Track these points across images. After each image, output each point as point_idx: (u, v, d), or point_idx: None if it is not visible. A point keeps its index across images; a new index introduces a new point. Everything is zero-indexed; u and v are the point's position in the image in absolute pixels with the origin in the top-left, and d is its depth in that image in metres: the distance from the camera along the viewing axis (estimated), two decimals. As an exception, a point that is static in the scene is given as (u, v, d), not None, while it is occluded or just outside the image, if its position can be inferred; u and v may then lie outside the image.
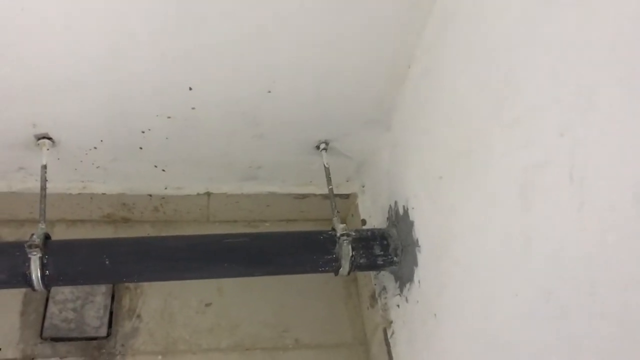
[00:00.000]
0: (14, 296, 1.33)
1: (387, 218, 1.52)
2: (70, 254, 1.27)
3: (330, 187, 1.48)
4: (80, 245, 1.29)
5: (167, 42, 1.20)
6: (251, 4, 1.14)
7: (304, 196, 1.71)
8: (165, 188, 1.64)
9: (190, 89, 1.33)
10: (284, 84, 1.35)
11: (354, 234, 1.36)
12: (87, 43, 1.20)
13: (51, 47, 1.20)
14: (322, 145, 1.54)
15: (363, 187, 1.73)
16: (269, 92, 1.35)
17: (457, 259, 1.10)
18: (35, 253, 1.21)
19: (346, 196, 1.74)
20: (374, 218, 1.65)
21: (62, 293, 1.53)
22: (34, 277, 1.21)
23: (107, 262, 1.26)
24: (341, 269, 1.35)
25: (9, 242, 1.28)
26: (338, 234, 1.34)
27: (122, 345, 1.51)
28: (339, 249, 1.34)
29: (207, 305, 1.61)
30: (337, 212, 1.42)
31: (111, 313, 1.55)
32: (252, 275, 1.35)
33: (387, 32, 1.23)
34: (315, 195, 1.71)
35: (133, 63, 1.25)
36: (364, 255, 1.36)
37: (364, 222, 1.68)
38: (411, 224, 1.34)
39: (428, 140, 1.26)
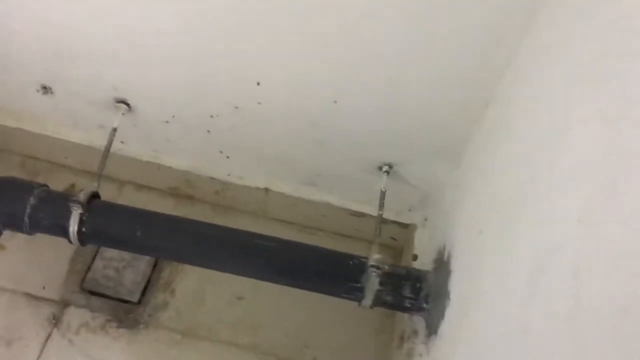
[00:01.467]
0: (69, 243, 1.40)
1: (435, 260, 1.41)
2: (108, 217, 1.31)
3: (380, 212, 1.40)
4: (119, 211, 1.33)
5: (242, 34, 1.20)
6: (324, 10, 1.10)
7: (360, 214, 1.64)
8: (228, 175, 1.65)
9: (258, 84, 1.32)
10: (352, 97, 1.29)
11: (386, 267, 1.28)
12: (169, 21, 1.23)
13: (138, 19, 1.25)
14: (385, 168, 1.46)
15: (425, 220, 1.63)
16: (335, 102, 1.31)
17: (470, 325, 0.99)
18: (76, 208, 1.27)
19: (405, 226, 1.64)
20: (426, 256, 1.54)
21: (111, 251, 1.60)
22: (70, 230, 1.28)
23: (138, 233, 1.29)
24: (364, 300, 1.27)
25: (62, 192, 1.36)
26: (369, 264, 1.26)
27: (149, 315, 1.55)
28: (365, 279, 1.26)
29: (239, 298, 1.61)
30: (380, 240, 1.34)
31: (148, 281, 1.59)
32: (274, 282, 1.32)
33: (471, 59, 1.13)
34: (372, 216, 1.62)
35: (209, 47, 1.27)
36: (391, 292, 1.27)
37: (415, 257, 1.57)
38: (449, 273, 1.22)
39: (480, 189, 1.14)
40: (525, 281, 0.73)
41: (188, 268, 1.62)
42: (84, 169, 1.76)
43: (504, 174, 1.00)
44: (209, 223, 1.32)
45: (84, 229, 1.28)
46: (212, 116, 1.45)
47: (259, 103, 1.37)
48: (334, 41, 1.16)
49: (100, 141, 1.63)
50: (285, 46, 1.21)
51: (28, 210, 1.28)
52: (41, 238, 1.36)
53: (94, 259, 1.60)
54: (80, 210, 1.27)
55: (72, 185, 1.73)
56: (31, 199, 1.29)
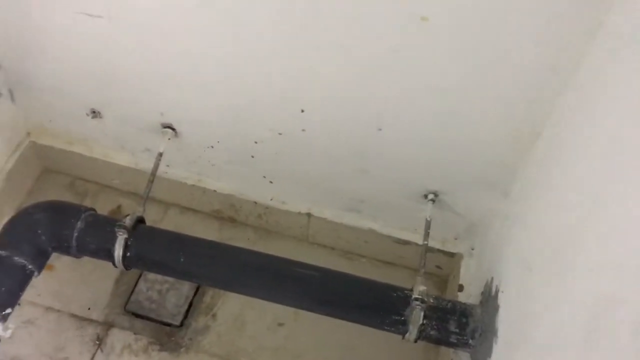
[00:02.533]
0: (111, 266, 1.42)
1: (482, 292, 1.36)
2: (152, 242, 1.32)
3: (426, 242, 1.36)
4: (163, 236, 1.34)
5: (287, 59, 1.20)
6: (374, 39, 1.09)
7: (404, 242, 1.61)
8: (271, 199, 1.65)
9: (302, 111, 1.31)
10: (397, 124, 1.27)
11: (431, 301, 1.24)
12: (217, 50, 1.25)
13: (187, 48, 1.27)
14: (431, 196, 1.43)
15: (472, 249, 1.58)
16: (380, 129, 1.29)
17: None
18: (122, 233, 1.29)
19: (451, 255, 1.60)
20: (473, 287, 1.49)
21: (154, 275, 1.61)
22: (115, 255, 1.29)
23: (181, 259, 1.30)
24: (408, 334, 1.24)
25: (108, 216, 1.38)
26: (413, 296, 1.23)
27: (190, 339, 1.55)
28: (409, 312, 1.23)
29: (280, 324, 1.59)
30: (425, 270, 1.31)
31: (190, 305, 1.60)
32: (315, 312, 1.30)
33: (524, 91, 1.10)
34: (417, 244, 1.59)
35: (255, 75, 1.27)
36: (436, 327, 1.24)
37: (461, 287, 1.53)
38: (497, 308, 1.18)
39: (530, 223, 1.10)
40: (583, 333, 0.69)
41: (230, 293, 1.61)
42: (130, 191, 1.79)
43: (557, 210, 0.96)
44: (251, 250, 1.32)
45: (128, 254, 1.29)
46: (256, 142, 1.46)
47: (303, 130, 1.36)
48: (382, 70, 1.15)
49: (146, 164, 1.66)
50: (331, 74, 1.20)
51: (76, 234, 1.30)
52: (88, 259, 1.38)
53: (137, 281, 1.62)
54: (125, 235, 1.29)
55: (119, 207, 1.76)
56: (79, 223, 1.31)
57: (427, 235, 1.38)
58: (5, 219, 1.66)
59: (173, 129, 1.50)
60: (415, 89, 1.17)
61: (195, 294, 1.61)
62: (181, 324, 1.56)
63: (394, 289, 1.27)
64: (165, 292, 1.60)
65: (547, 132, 1.11)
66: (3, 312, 1.23)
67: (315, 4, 1.06)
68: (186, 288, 1.61)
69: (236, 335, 1.56)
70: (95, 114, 1.55)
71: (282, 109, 1.34)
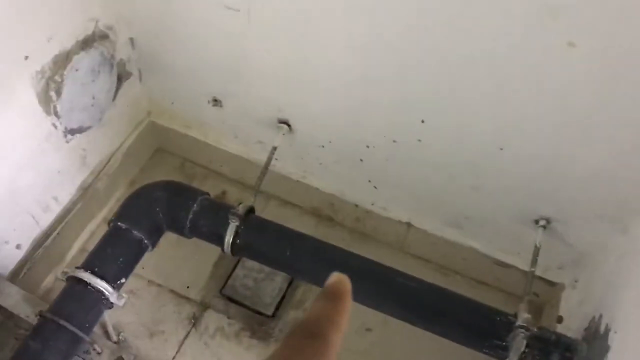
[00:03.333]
0: (215, 247, 1.48)
1: (586, 328, 1.31)
2: (262, 233, 1.36)
3: (532, 269, 1.33)
4: (273, 229, 1.37)
5: (415, 70, 1.20)
6: (508, 58, 1.08)
7: (505, 265, 1.57)
8: (372, 204, 1.65)
9: (423, 121, 1.31)
10: (521, 146, 1.25)
11: (535, 330, 1.21)
12: (341, 54, 1.26)
13: (312, 50, 1.29)
14: (542, 222, 1.39)
15: (576, 282, 1.52)
16: (501, 149, 1.27)
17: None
18: (234, 221, 1.33)
19: (552, 284, 1.55)
20: (573, 320, 1.44)
21: (252, 262, 1.65)
22: (225, 241, 1.34)
23: (287, 253, 1.33)
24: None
25: (222, 202, 1.42)
26: (517, 323, 1.20)
27: (280, 330, 1.58)
28: (511, 339, 1.20)
29: (368, 330, 1.60)
30: (532, 298, 1.28)
31: (283, 297, 1.63)
32: (411, 323, 1.29)
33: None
34: (517, 268, 1.56)
35: (378, 81, 1.28)
36: (538, 357, 1.20)
37: (560, 319, 1.47)
38: (606, 348, 1.13)
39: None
40: None
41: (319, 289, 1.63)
42: (236, 179, 1.84)
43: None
44: (355, 254, 1.33)
45: (238, 241, 1.34)
46: (368, 146, 1.46)
47: (419, 140, 1.36)
48: (514, 92, 1.13)
49: (256, 155, 1.71)
50: (459, 89, 1.19)
51: (191, 216, 1.36)
52: (191, 240, 1.44)
53: (235, 266, 1.67)
54: (237, 223, 1.33)
55: (224, 192, 1.82)
56: (195, 205, 1.37)
57: (534, 261, 1.35)
58: (119, 192, 1.78)
59: (289, 125, 1.53)
60: (546, 114, 1.14)
61: (289, 287, 1.65)
62: (273, 315, 1.60)
63: (497, 312, 1.24)
64: (260, 281, 1.64)
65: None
66: (118, 282, 1.30)
67: (455, 19, 1.06)
68: (280, 280, 1.65)
69: (324, 333, 1.58)
70: (216, 102, 1.61)
71: (401, 117, 1.34)
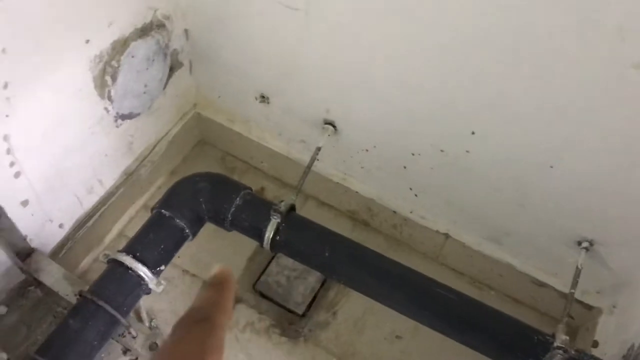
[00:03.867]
0: (250, 242, 1.49)
1: (624, 355, 1.29)
2: (302, 231, 1.36)
3: (572, 291, 1.31)
4: (313, 228, 1.37)
5: (471, 81, 1.20)
6: (572, 78, 1.06)
7: (541, 284, 1.55)
8: (410, 212, 1.65)
9: (473, 133, 1.30)
10: (573, 166, 1.23)
11: (573, 352, 1.19)
12: (393, 60, 1.26)
13: (364, 54, 1.30)
14: (585, 244, 1.37)
15: (614, 307, 1.50)
16: (551, 167, 1.25)
17: None
18: (276, 217, 1.34)
19: (589, 307, 1.52)
20: (609, 346, 1.41)
21: (286, 259, 1.66)
22: (265, 236, 1.34)
23: (326, 254, 1.33)
24: (542, 380, 1.19)
25: (264, 199, 1.43)
26: (555, 344, 1.19)
27: (310, 330, 1.58)
28: (548, 359, 1.18)
29: (398, 337, 1.59)
30: (567, 320, 1.26)
31: (315, 297, 1.63)
32: (445, 334, 1.28)
33: None
34: (554, 289, 1.54)
35: (431, 89, 1.27)
36: (574, 380, 1.18)
37: (595, 343, 1.45)
38: (646, 378, 1.11)
39: None
40: None
41: (353, 294, 1.63)
42: (275, 176, 1.85)
43: None
44: (395, 261, 1.32)
45: (278, 237, 1.34)
46: (413, 154, 1.46)
47: (468, 152, 1.35)
48: (575, 112, 1.11)
49: (297, 154, 1.72)
50: (516, 103, 1.18)
51: (233, 209, 1.37)
52: (227, 234, 1.44)
53: (269, 263, 1.67)
54: (278, 220, 1.34)
55: (262, 189, 1.83)
56: (237, 199, 1.37)
57: (575, 283, 1.32)
58: (160, 181, 1.81)
59: (334, 127, 1.53)
60: (603, 136, 1.13)
61: (321, 287, 1.65)
62: (303, 314, 1.60)
63: (535, 332, 1.22)
64: (293, 279, 1.65)
65: None
66: (158, 268, 1.31)
67: (524, 34, 1.05)
68: (313, 280, 1.65)
69: (354, 337, 1.58)
70: (264, 99, 1.62)
71: (451, 127, 1.33)
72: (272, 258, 1.69)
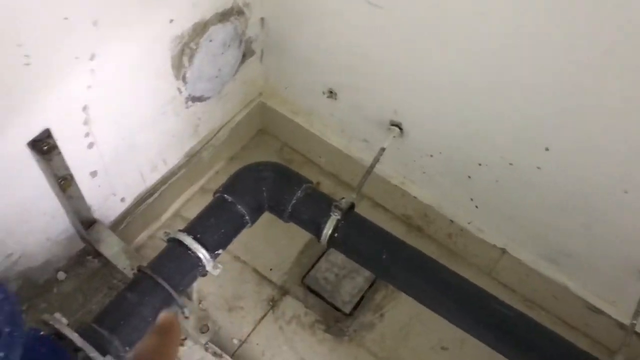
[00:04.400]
0: (302, 235, 1.49)
1: (682, 394, 1.24)
2: (361, 231, 1.35)
3: (634, 322, 1.27)
4: (373, 229, 1.36)
5: (551, 96, 1.16)
6: None
7: (597, 311, 1.50)
8: (468, 222, 1.62)
9: (547, 149, 1.27)
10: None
11: (632, 385, 1.15)
12: (471, 69, 1.24)
13: (438, 59, 1.28)
14: (651, 275, 1.33)
15: (674, 343, 1.44)
16: (626, 192, 1.21)
17: None
18: (336, 214, 1.33)
19: (645, 339, 1.47)
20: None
21: (336, 256, 1.65)
22: (324, 232, 1.34)
23: (383, 256, 1.32)
24: (596, 410, 1.16)
25: (325, 194, 1.42)
26: (614, 374, 1.15)
27: (355, 330, 1.57)
28: (605, 389, 1.15)
29: (443, 348, 1.57)
30: (625, 349, 1.22)
31: (362, 298, 1.62)
32: (497, 350, 1.26)
33: None
34: (610, 317, 1.49)
35: (503, 95, 1.24)
36: (630, 414, 1.15)
37: (651, 378, 1.40)
38: None
39: None
40: None
41: (402, 299, 1.62)
42: (331, 172, 1.85)
43: None
44: (452, 271, 1.30)
45: (336, 234, 1.34)
46: (480, 164, 1.43)
47: (539, 168, 1.32)
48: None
49: (358, 153, 1.71)
50: (590, 121, 1.14)
51: (294, 201, 1.37)
52: (280, 225, 1.44)
53: (319, 258, 1.67)
54: (338, 217, 1.33)
55: (318, 184, 1.83)
56: (299, 192, 1.38)
57: (636, 314, 1.28)
58: (219, 165, 1.82)
59: (400, 129, 1.52)
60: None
61: (369, 288, 1.64)
62: (350, 314, 1.60)
63: (592, 359, 1.19)
64: (342, 277, 1.64)
65: None
66: (216, 252, 1.33)
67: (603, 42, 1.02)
68: (361, 280, 1.64)
69: (399, 343, 1.57)
70: (331, 94, 1.61)
71: (524, 141, 1.30)
72: (322, 254, 1.68)
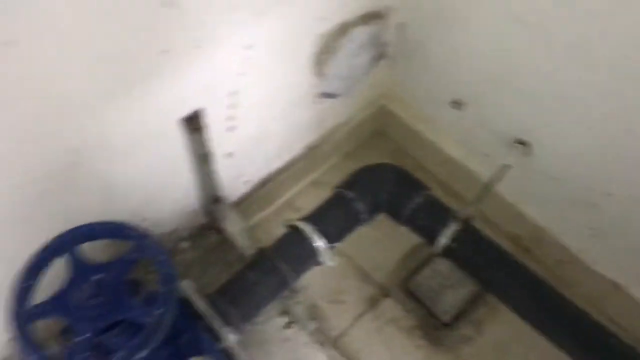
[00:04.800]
0: (409, 240, 1.50)
1: None
2: (479, 244, 1.36)
3: None
4: (491, 245, 1.37)
5: None
6: None
7: None
8: (580, 251, 1.58)
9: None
10: None
11: None
12: (609, 94, 1.21)
13: (578, 82, 1.25)
14: None
15: None
16: None
17: None
18: (455, 225, 1.34)
19: None
20: None
21: (442, 266, 1.66)
22: (441, 240, 1.35)
23: (500, 274, 1.32)
24: None
25: (444, 203, 1.42)
26: None
27: (452, 341, 1.57)
28: None
29: (537, 373, 1.54)
30: None
31: (463, 310, 1.62)
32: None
33: None
34: None
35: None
36: None
37: None
38: None
39: None
40: None
41: (503, 317, 1.60)
42: (444, 181, 1.85)
43: None
44: (569, 299, 1.28)
45: (453, 244, 1.35)
46: (609, 194, 1.39)
47: (673, 206, 1.27)
48: None
49: (476, 166, 1.70)
50: None
51: (413, 206, 1.39)
52: (387, 224, 1.46)
53: (424, 264, 1.68)
54: (457, 227, 1.34)
55: (428, 191, 1.84)
56: (418, 197, 1.40)
57: None
58: (333, 161, 1.87)
59: (527, 147, 1.50)
60: None
61: (471, 302, 1.63)
62: (449, 324, 1.60)
63: None
64: (445, 287, 1.64)
65: None
66: (332, 244, 1.37)
67: None
68: (465, 293, 1.64)
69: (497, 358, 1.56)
70: (457, 104, 1.62)
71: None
72: (428, 261, 1.69)
